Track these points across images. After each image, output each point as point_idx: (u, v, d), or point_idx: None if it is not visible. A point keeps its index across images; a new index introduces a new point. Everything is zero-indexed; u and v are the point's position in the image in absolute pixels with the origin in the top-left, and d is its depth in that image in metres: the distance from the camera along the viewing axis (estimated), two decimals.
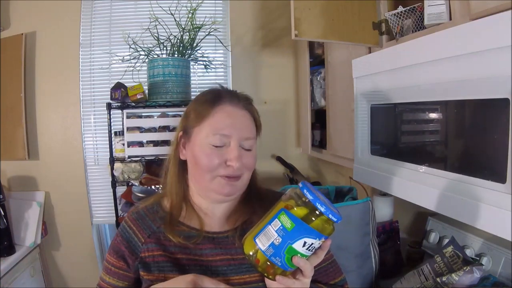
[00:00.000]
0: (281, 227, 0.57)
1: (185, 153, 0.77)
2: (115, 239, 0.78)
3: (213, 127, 0.72)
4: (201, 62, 1.99)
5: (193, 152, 0.74)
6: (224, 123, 0.72)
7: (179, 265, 0.74)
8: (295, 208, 0.57)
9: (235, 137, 0.72)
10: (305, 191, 0.58)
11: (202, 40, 1.90)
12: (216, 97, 0.75)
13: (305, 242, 0.57)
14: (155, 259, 0.74)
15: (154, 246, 0.75)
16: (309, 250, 0.58)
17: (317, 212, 0.57)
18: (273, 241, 0.57)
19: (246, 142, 0.73)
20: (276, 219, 0.58)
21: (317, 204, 0.56)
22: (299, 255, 0.58)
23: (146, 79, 1.84)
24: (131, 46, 1.87)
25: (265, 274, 0.60)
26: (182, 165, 0.79)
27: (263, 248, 0.58)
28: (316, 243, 0.58)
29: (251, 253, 0.60)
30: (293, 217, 0.57)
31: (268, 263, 0.58)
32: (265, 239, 0.58)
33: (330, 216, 0.56)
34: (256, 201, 0.79)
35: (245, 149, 0.74)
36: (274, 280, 0.60)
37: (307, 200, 0.57)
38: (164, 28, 1.86)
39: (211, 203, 0.78)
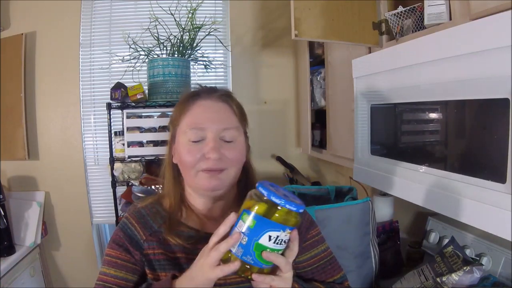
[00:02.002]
0: (245, 227, 0.59)
1: (176, 156, 0.78)
2: (116, 235, 0.77)
3: (189, 122, 0.73)
4: (201, 62, 1.99)
5: (178, 151, 0.75)
6: (199, 116, 0.73)
7: (179, 265, 0.74)
8: (256, 207, 0.59)
9: (211, 129, 0.72)
10: (260, 188, 0.60)
11: (202, 40, 1.90)
12: (193, 95, 0.76)
13: (270, 236, 0.59)
14: (156, 257, 0.75)
15: (155, 244, 0.75)
16: (277, 244, 0.60)
17: (277, 206, 0.59)
18: (240, 241, 0.59)
19: (226, 133, 0.73)
20: (240, 220, 0.60)
21: (272, 198, 0.58)
22: (268, 249, 0.59)
23: (146, 79, 1.84)
24: (131, 46, 1.87)
25: (244, 276, 0.61)
26: (177, 169, 0.79)
27: (233, 250, 0.60)
28: (282, 235, 0.60)
29: (226, 257, 0.61)
30: (254, 214, 0.59)
31: (247, 266, 0.60)
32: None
33: (288, 206, 0.58)
34: None
35: (226, 141, 0.73)
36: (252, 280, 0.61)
37: (264, 198, 0.59)
38: (164, 28, 1.86)
39: (208, 203, 0.78)
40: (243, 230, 0.59)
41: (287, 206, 0.59)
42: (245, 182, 0.79)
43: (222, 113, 0.74)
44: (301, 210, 0.60)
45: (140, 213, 0.79)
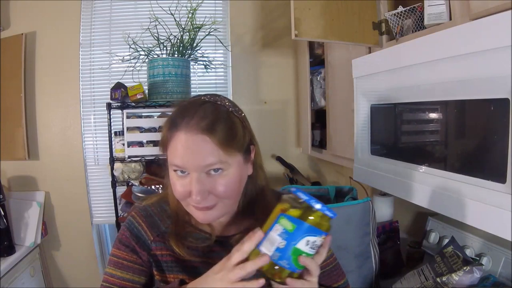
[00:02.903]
0: (283, 230, 0.58)
1: None
2: (122, 234, 0.75)
3: (171, 156, 0.67)
4: (201, 62, 1.99)
5: (169, 175, 0.70)
6: (179, 153, 0.65)
7: (188, 267, 0.73)
8: (293, 211, 0.59)
9: (192, 168, 0.64)
10: (299, 193, 0.60)
11: (202, 40, 1.90)
12: (172, 122, 0.68)
13: (308, 241, 0.58)
14: (164, 258, 0.73)
15: (163, 245, 0.73)
16: (312, 249, 0.60)
17: (313, 210, 0.59)
18: (277, 246, 0.58)
19: (209, 167, 0.65)
20: (277, 224, 0.59)
21: (312, 202, 0.58)
22: (304, 254, 0.59)
23: (146, 79, 1.84)
24: (131, 46, 1.87)
25: (274, 279, 0.61)
26: None
27: (270, 254, 0.59)
28: (318, 240, 0.60)
29: None
30: (292, 218, 0.58)
31: (276, 268, 0.59)
32: (269, 245, 0.59)
33: (327, 212, 0.59)
34: (260, 205, 0.76)
35: (215, 173, 0.66)
36: (283, 283, 0.60)
37: (301, 201, 0.59)
38: (164, 28, 1.86)
39: None
40: (279, 234, 0.58)
41: (326, 212, 0.59)
42: (253, 194, 0.76)
43: (201, 148, 0.64)
44: (335, 216, 0.60)
45: (147, 212, 0.77)
